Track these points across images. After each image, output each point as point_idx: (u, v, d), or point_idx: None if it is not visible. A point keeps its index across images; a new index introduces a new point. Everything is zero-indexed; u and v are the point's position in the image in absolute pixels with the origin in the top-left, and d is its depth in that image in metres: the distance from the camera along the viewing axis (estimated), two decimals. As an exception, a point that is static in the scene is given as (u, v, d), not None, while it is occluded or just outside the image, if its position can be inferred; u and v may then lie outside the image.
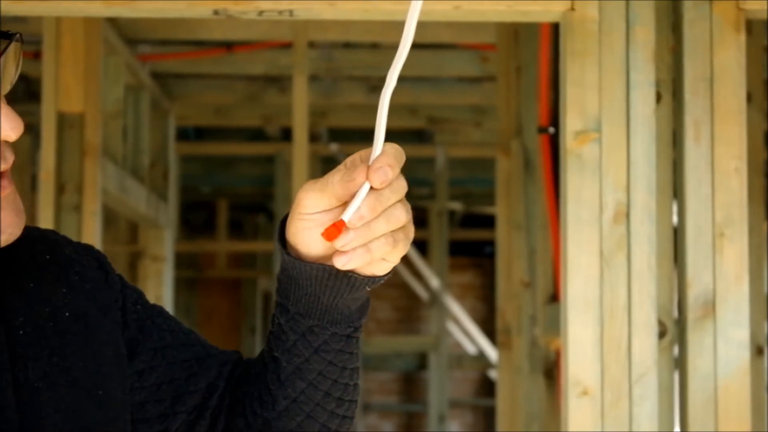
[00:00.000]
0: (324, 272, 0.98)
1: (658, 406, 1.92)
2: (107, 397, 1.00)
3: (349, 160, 0.94)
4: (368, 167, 0.92)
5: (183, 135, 6.09)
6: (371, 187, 0.92)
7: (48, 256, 1.04)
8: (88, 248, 1.11)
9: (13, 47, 0.91)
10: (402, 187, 0.94)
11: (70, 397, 0.97)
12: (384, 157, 0.92)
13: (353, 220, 0.91)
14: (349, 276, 0.98)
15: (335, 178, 0.93)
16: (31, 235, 1.03)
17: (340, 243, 0.92)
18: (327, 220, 0.95)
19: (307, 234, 0.97)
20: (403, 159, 0.94)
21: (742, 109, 1.96)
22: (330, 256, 0.97)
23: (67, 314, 1.01)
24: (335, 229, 0.92)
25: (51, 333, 0.98)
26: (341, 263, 0.93)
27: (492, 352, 7.37)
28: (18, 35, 0.92)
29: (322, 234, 0.92)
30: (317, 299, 1.00)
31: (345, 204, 0.94)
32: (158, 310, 1.12)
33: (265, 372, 1.07)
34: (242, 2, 1.93)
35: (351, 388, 1.06)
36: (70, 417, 0.96)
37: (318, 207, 0.95)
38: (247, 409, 1.08)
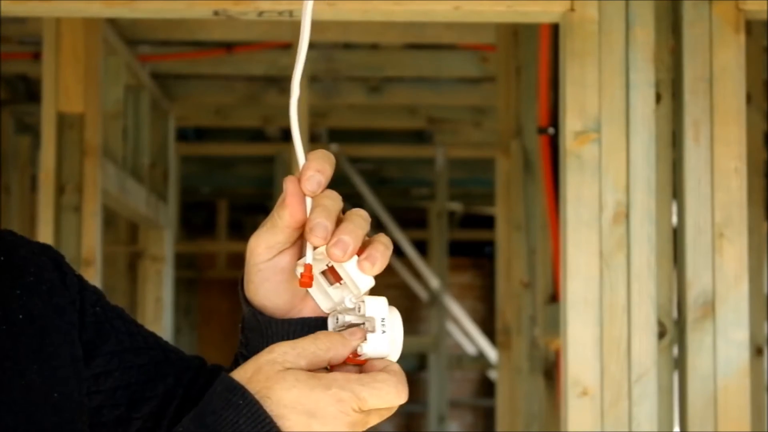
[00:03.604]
0: (304, 326, 0.94)
1: (658, 406, 1.92)
2: (63, 400, 0.98)
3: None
4: (299, 178, 0.89)
5: (183, 135, 6.10)
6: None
7: (2, 258, 1.01)
8: (45, 248, 1.07)
9: None
10: (334, 194, 0.90)
11: (24, 402, 0.94)
12: (309, 163, 0.89)
13: (317, 233, 0.86)
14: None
15: (276, 207, 0.90)
16: None
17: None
18: (286, 263, 0.92)
19: (270, 286, 0.93)
20: (332, 160, 0.90)
21: (742, 110, 1.97)
22: (298, 304, 0.94)
23: (20, 317, 0.98)
24: (309, 273, 0.88)
25: (3, 336, 0.96)
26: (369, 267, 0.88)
27: (492, 353, 7.37)
28: None
29: (301, 284, 0.88)
30: None
31: (298, 240, 0.91)
32: (117, 312, 1.09)
33: None
34: (242, 3, 1.94)
35: None
36: (24, 421, 0.93)
37: (274, 247, 0.91)
38: None
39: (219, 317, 8.53)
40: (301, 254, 0.92)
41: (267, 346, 0.94)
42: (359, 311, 0.89)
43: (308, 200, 0.88)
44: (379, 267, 0.88)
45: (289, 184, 0.89)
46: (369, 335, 0.87)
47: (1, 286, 0.99)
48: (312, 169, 0.89)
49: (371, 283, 0.89)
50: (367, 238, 0.89)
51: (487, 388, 8.62)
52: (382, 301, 0.89)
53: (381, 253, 0.88)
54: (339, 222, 0.88)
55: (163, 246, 4.89)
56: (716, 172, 1.96)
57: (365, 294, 0.89)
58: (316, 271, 0.91)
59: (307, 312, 0.95)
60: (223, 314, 8.53)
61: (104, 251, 3.67)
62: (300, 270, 0.90)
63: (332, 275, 0.91)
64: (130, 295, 5.26)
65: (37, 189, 3.59)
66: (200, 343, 8.28)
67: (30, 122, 5.29)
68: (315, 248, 0.88)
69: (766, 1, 1.97)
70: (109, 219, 4.80)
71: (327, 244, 0.86)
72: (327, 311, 0.93)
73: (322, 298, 0.93)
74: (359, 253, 0.88)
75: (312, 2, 0.90)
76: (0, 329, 0.97)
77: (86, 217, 3.36)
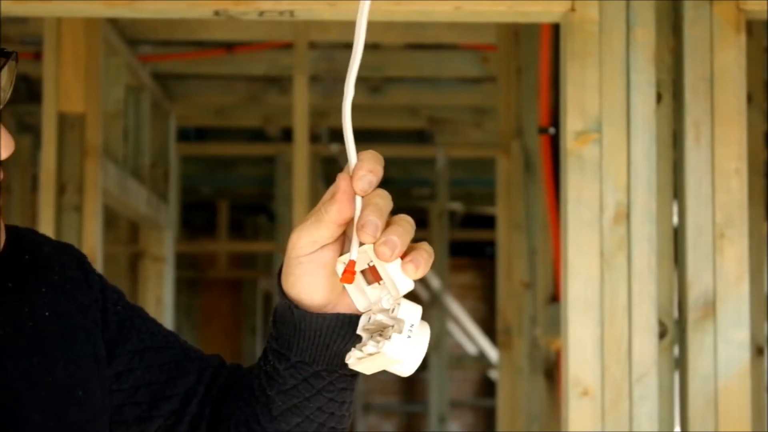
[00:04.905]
0: (338, 321, 0.95)
1: (659, 406, 1.92)
2: (87, 397, 0.99)
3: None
4: (351, 177, 0.90)
5: (184, 135, 6.09)
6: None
7: (27, 256, 1.03)
8: (68, 247, 1.09)
9: (9, 66, 0.92)
10: (385, 193, 0.92)
11: (51, 398, 0.96)
12: (362, 163, 0.90)
13: (368, 230, 0.88)
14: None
15: (323, 202, 0.92)
16: (10, 234, 1.02)
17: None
18: (328, 259, 0.93)
19: (310, 280, 0.94)
20: (382, 161, 0.92)
21: (743, 110, 1.97)
22: (333, 299, 0.95)
23: (46, 314, 0.99)
24: (352, 269, 0.89)
25: (31, 333, 0.97)
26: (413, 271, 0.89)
27: (492, 353, 7.37)
28: (14, 54, 0.92)
29: (342, 279, 0.90)
30: (326, 347, 0.97)
31: (340, 237, 0.92)
32: (138, 311, 1.11)
33: (253, 401, 1.03)
34: (243, 3, 1.94)
35: (345, 418, 1.03)
36: (51, 417, 0.95)
37: (317, 241, 0.92)
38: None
39: (220, 317, 8.53)
40: (341, 252, 0.93)
41: (299, 339, 0.97)
42: (393, 312, 0.90)
43: (357, 199, 0.90)
44: (422, 272, 0.90)
45: (341, 182, 0.90)
46: (394, 335, 0.88)
47: (26, 284, 1.00)
48: (364, 168, 0.90)
49: (411, 286, 0.90)
50: (411, 244, 0.91)
51: (487, 388, 8.62)
52: (417, 309, 0.90)
53: (425, 260, 0.90)
54: (387, 224, 0.90)
55: (164, 246, 4.89)
56: (717, 173, 1.96)
57: (403, 297, 0.90)
58: (357, 269, 0.91)
59: (341, 308, 0.96)
60: (224, 314, 8.53)
61: (105, 251, 3.67)
62: (342, 266, 0.91)
63: (372, 275, 0.92)
64: (131, 295, 5.25)
65: (37, 189, 3.59)
66: (201, 344, 8.26)
67: (31, 122, 5.29)
68: (360, 245, 0.89)
69: (767, 1, 1.97)
70: (110, 219, 4.80)
71: (375, 242, 0.88)
72: (362, 310, 0.94)
73: (359, 296, 0.94)
74: (403, 256, 0.89)
75: (369, 2, 0.92)
76: (27, 326, 0.98)
77: (87, 217, 3.36)
